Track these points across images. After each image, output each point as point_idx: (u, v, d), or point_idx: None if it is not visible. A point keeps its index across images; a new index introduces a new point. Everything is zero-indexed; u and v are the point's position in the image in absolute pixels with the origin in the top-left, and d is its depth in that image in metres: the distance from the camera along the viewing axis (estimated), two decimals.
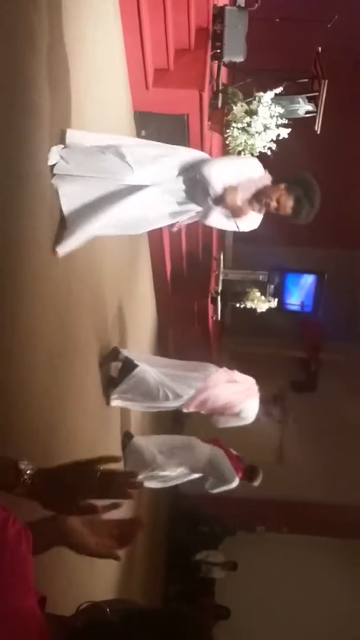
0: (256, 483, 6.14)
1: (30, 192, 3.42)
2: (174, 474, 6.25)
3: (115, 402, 5.74)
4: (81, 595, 4.81)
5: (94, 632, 1.48)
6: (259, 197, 3.99)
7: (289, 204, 3.94)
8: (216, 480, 6.20)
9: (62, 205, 3.84)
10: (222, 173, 3.91)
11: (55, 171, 3.75)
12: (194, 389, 5.51)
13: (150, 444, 6.40)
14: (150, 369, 5.55)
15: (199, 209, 4.11)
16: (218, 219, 4.14)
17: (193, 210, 4.13)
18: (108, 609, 1.49)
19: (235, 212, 4.00)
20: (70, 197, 3.84)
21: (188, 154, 4.09)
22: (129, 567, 7.47)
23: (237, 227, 4.13)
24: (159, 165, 3.92)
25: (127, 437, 6.47)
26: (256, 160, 4.09)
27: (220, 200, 3.96)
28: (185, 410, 5.68)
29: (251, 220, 4.13)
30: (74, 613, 1.51)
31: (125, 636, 1.44)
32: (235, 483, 6.15)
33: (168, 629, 1.45)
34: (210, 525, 12.51)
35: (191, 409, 5.63)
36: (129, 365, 5.57)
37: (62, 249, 3.87)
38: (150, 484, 6.31)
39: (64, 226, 3.88)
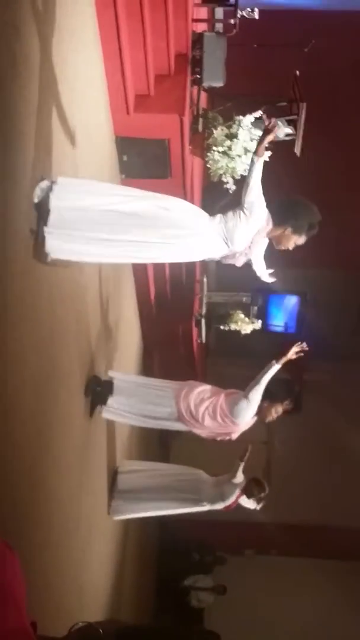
0: (267, 491, 6.28)
1: (10, 216, 3.42)
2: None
3: (107, 414, 5.80)
4: (69, 622, 4.74)
5: None
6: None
7: (301, 242, 4.28)
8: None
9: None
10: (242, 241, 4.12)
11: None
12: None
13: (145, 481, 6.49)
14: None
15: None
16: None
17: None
18: (101, 630, 1.49)
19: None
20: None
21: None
22: (117, 594, 7.39)
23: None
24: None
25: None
26: (258, 208, 4.13)
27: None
28: (181, 413, 5.60)
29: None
30: (67, 633, 1.50)
31: None
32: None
33: None
34: (200, 553, 12.42)
35: (184, 408, 5.59)
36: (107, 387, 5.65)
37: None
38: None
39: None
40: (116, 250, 3.95)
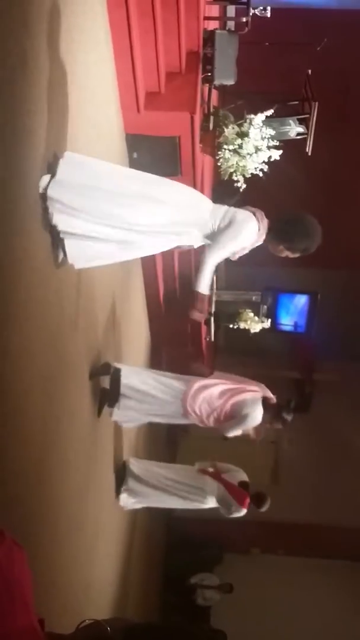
0: (264, 509, 6.18)
1: (20, 213, 3.42)
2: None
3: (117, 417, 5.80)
4: (76, 620, 4.74)
5: None
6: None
7: (294, 256, 4.24)
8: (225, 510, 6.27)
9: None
10: (222, 256, 4.12)
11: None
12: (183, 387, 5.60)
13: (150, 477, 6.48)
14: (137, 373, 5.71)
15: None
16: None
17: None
18: (109, 628, 1.49)
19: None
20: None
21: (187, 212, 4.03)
22: (124, 592, 7.40)
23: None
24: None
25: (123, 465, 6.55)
26: (250, 225, 4.05)
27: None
28: (188, 413, 5.55)
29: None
30: (74, 630, 1.51)
31: None
32: (242, 512, 6.22)
33: None
34: (207, 549, 12.42)
35: (191, 410, 5.53)
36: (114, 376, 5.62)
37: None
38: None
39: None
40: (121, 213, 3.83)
